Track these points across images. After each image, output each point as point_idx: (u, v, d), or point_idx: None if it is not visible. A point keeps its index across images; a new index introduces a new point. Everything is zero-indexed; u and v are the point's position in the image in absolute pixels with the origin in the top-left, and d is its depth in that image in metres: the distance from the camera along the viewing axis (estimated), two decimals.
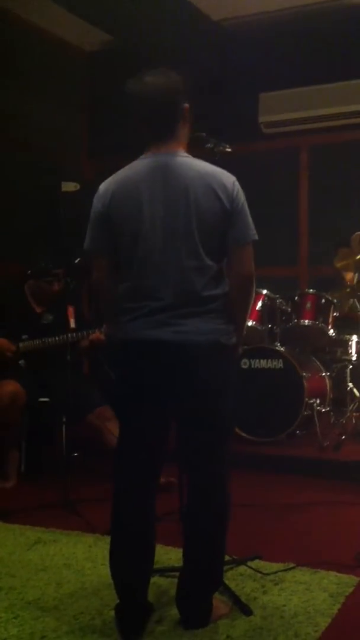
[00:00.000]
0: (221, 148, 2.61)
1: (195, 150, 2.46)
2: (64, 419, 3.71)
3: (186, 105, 2.18)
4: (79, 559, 2.73)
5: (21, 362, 3.92)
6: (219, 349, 2.11)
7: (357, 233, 4.13)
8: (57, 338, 3.86)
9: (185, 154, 2.17)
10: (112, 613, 2.15)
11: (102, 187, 2.19)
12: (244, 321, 2.26)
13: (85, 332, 3.83)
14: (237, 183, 2.14)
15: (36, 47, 5.18)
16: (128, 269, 2.14)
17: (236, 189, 2.13)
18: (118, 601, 2.14)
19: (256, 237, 2.16)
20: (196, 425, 2.15)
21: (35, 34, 5.19)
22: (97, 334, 3.81)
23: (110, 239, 2.16)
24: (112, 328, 2.22)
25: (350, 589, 2.41)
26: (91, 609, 2.29)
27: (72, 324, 3.69)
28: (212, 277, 2.12)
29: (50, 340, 3.89)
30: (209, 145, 2.58)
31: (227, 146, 2.62)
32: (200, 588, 2.18)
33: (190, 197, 2.08)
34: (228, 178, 2.14)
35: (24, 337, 3.92)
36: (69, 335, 3.73)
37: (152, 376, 2.10)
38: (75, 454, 3.94)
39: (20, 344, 3.90)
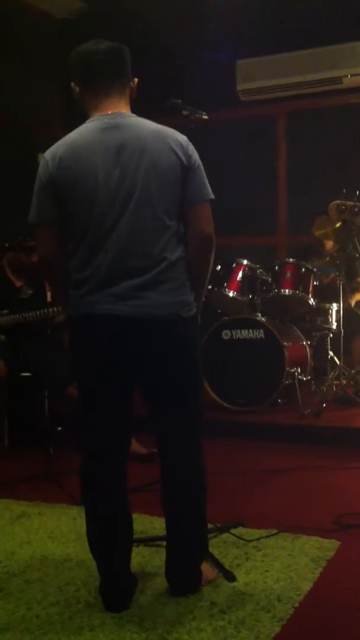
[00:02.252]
0: (197, 115, 2.58)
1: (171, 117, 2.43)
2: (46, 393, 3.70)
3: (135, 78, 2.15)
4: (63, 532, 2.74)
5: (1, 337, 3.90)
6: (178, 322, 2.07)
7: (334, 202, 4.12)
8: (37, 312, 3.84)
9: (134, 115, 2.12)
10: (97, 584, 2.17)
11: (48, 153, 2.09)
12: (204, 286, 2.20)
13: (61, 307, 3.80)
14: (190, 143, 2.10)
15: (7, 15, 5.05)
16: (80, 238, 2.05)
17: (191, 147, 2.10)
18: (100, 578, 2.14)
19: (212, 196, 2.10)
20: (163, 398, 2.14)
21: (6, 2, 5.05)
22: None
23: (57, 208, 2.06)
24: (68, 302, 2.13)
25: (332, 553, 2.46)
26: (76, 579, 2.31)
27: (49, 298, 3.66)
28: (171, 237, 2.06)
29: (30, 314, 3.86)
30: (185, 112, 2.56)
31: (204, 113, 2.59)
32: (187, 557, 2.20)
33: (146, 155, 2.02)
34: (181, 136, 2.11)
35: (4, 312, 3.89)
36: (48, 309, 3.70)
37: (112, 351, 2.05)
38: (59, 428, 3.95)
39: (0, 319, 3.87)
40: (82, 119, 2.12)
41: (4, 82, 5.00)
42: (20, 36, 5.15)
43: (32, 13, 5.33)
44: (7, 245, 3.98)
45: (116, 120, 2.07)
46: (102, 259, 2.04)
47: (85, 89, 2.12)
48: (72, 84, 2.13)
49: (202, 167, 2.10)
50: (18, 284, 4.03)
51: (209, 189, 2.11)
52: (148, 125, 2.09)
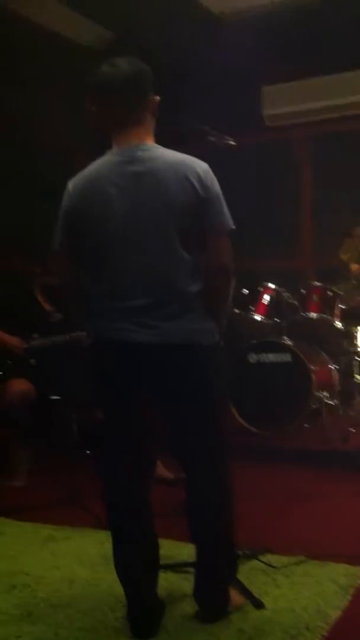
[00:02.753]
0: (224, 141, 2.59)
1: (198, 143, 2.46)
2: (74, 416, 3.73)
3: (156, 97, 2.12)
4: (91, 555, 2.75)
5: (32, 360, 3.94)
6: (199, 350, 2.05)
7: None
8: (65, 337, 3.88)
9: (154, 144, 2.10)
10: (125, 609, 2.17)
11: (70, 183, 2.12)
12: (224, 315, 2.18)
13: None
14: (210, 171, 2.07)
15: (34, 44, 5.17)
16: (99, 269, 2.07)
17: (210, 176, 2.05)
18: (127, 604, 2.14)
19: (233, 226, 2.08)
20: (184, 425, 2.12)
21: (34, 30, 5.17)
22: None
23: (77, 239, 2.08)
24: (88, 330, 2.15)
25: None
26: (104, 604, 2.31)
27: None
28: (190, 270, 2.05)
29: (58, 338, 3.91)
30: (211, 138, 2.57)
31: (231, 139, 2.61)
32: (214, 581, 2.19)
33: (162, 188, 2.00)
34: (201, 165, 2.06)
35: (34, 335, 3.95)
36: (77, 334, 3.75)
37: (132, 378, 2.05)
38: (87, 452, 3.96)
39: (31, 343, 3.92)
40: (101, 138, 2.13)
41: (31, 112, 5.10)
42: (46, 65, 5.26)
43: (59, 42, 5.44)
44: (39, 270, 4.05)
45: (134, 153, 2.05)
46: (119, 292, 2.04)
47: (102, 115, 2.11)
48: (88, 104, 2.12)
49: (221, 196, 2.07)
50: (47, 308, 4.09)
51: (228, 219, 2.08)
52: (166, 155, 2.07)
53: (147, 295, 2.03)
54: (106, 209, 2.03)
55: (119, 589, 2.19)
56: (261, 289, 4.57)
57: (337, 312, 4.52)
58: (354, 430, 4.22)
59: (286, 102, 5.29)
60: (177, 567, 2.52)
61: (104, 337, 2.09)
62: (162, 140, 2.15)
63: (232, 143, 2.65)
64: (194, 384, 2.07)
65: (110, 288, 2.06)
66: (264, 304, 4.56)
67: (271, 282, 4.58)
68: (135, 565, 2.14)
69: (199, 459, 2.14)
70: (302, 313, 4.52)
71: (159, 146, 2.11)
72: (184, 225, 2.03)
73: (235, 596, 2.26)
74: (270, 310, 4.56)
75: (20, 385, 3.76)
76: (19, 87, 4.98)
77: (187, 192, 2.02)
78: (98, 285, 2.08)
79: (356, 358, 4.53)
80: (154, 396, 2.10)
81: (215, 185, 2.07)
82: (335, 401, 4.47)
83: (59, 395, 3.94)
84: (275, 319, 4.55)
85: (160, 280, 2.03)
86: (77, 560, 2.71)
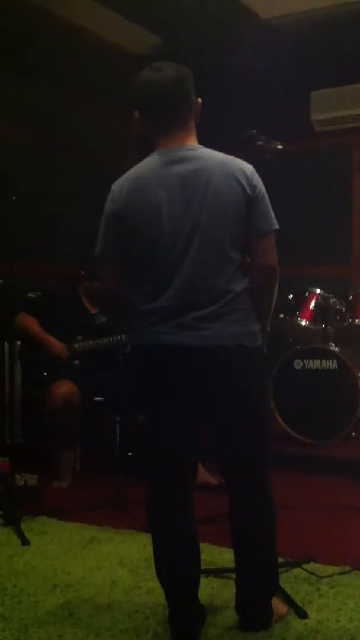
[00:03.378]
0: (272, 145, 2.58)
1: (246, 148, 2.45)
2: (117, 418, 3.74)
3: (199, 99, 2.12)
4: (133, 558, 2.75)
5: (76, 362, 3.98)
6: (243, 353, 2.04)
7: None
8: (110, 339, 3.91)
9: (198, 145, 2.10)
10: (167, 613, 2.15)
11: (115, 186, 2.12)
12: (268, 317, 2.16)
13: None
14: (255, 171, 2.07)
15: (86, 50, 5.24)
16: (145, 272, 2.06)
17: (256, 176, 2.07)
18: (169, 609, 2.12)
19: (277, 227, 2.08)
20: (227, 429, 2.10)
21: (84, 37, 5.24)
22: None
23: (123, 242, 2.08)
24: (133, 332, 2.14)
25: None
26: (145, 608, 2.30)
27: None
28: (236, 270, 2.04)
29: (103, 341, 3.94)
30: (259, 142, 2.56)
31: (278, 143, 2.59)
32: (256, 592, 2.15)
33: (211, 187, 2.00)
34: (247, 165, 2.07)
35: (78, 337, 3.98)
36: (121, 337, 3.77)
37: (176, 382, 2.04)
38: (130, 453, 3.97)
39: (75, 345, 3.96)
40: (146, 145, 2.14)
41: (79, 119, 5.17)
42: (96, 73, 5.32)
43: (108, 49, 5.50)
44: (82, 273, 4.09)
45: (180, 153, 2.06)
46: (166, 292, 2.04)
47: (147, 120, 2.12)
48: (136, 112, 2.14)
49: (266, 197, 2.08)
50: (92, 311, 4.12)
51: (274, 219, 2.08)
52: (213, 156, 2.08)
53: (192, 294, 2.02)
54: (153, 210, 2.03)
55: (160, 592, 2.18)
56: (307, 295, 4.52)
57: None
58: None
59: (335, 107, 5.23)
60: (219, 573, 2.50)
61: (146, 341, 2.08)
62: (209, 146, 2.14)
63: (280, 147, 2.63)
64: (236, 388, 2.06)
65: (156, 289, 2.06)
66: (310, 309, 4.50)
67: (318, 288, 4.52)
68: (177, 569, 2.13)
69: (241, 464, 2.12)
70: (349, 319, 4.45)
71: (204, 147, 2.11)
72: (232, 224, 2.03)
73: (278, 605, 2.22)
74: (316, 316, 4.49)
75: (64, 388, 3.79)
76: (58, 90, 5.05)
77: (235, 191, 2.02)
78: (143, 287, 2.08)
79: None
80: (197, 400, 2.08)
81: (261, 186, 2.07)
82: None
83: (102, 397, 3.96)
84: (322, 325, 4.49)
85: (206, 279, 2.03)
86: (119, 562, 2.72)
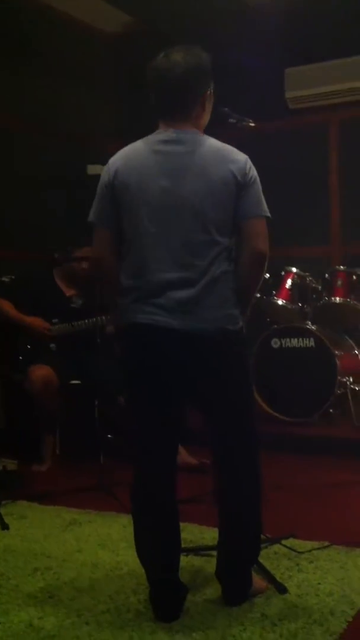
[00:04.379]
0: (244, 123, 2.56)
1: (218, 125, 2.43)
2: (96, 401, 3.73)
3: (209, 90, 2.15)
4: (114, 539, 2.75)
5: (52, 346, 3.95)
6: (224, 335, 2.06)
7: None
8: (86, 322, 3.88)
9: (197, 131, 2.13)
10: (148, 592, 2.16)
11: (111, 160, 2.17)
12: (250, 302, 2.19)
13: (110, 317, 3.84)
14: (249, 160, 2.10)
15: (60, 30, 5.16)
16: (132, 244, 2.09)
17: (249, 164, 2.10)
18: (150, 589, 2.14)
19: (268, 214, 2.10)
20: (213, 411, 2.14)
21: (59, 17, 5.15)
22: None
23: (114, 211, 2.11)
24: (116, 310, 2.16)
25: None
26: (127, 588, 2.31)
27: (99, 308, 3.70)
28: (221, 252, 2.06)
29: (80, 323, 3.91)
30: (231, 120, 2.54)
31: (251, 121, 2.57)
32: (238, 562, 2.19)
33: (201, 169, 2.05)
34: (240, 154, 2.11)
35: (54, 321, 3.95)
36: (98, 319, 3.74)
37: (158, 362, 2.06)
38: (109, 436, 3.97)
39: (51, 328, 3.93)
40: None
41: (56, 98, 5.09)
42: (70, 52, 5.24)
43: (81, 29, 5.42)
44: (56, 255, 4.05)
45: (176, 135, 2.10)
46: (148, 267, 2.06)
47: (155, 100, 2.15)
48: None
49: (259, 184, 2.10)
50: (68, 293, 4.09)
51: (265, 207, 2.10)
52: (207, 142, 2.11)
53: (174, 272, 2.04)
54: (141, 184, 2.07)
55: (141, 573, 2.19)
56: (283, 274, 4.52)
57: None
58: None
59: (310, 84, 5.20)
60: (199, 551, 2.51)
61: (128, 319, 2.10)
62: None
63: (252, 124, 2.62)
64: (220, 368, 2.08)
65: (139, 263, 2.08)
66: (287, 288, 4.50)
67: (294, 267, 4.52)
68: (158, 548, 2.15)
69: (232, 446, 2.15)
70: (326, 298, 4.46)
71: (204, 135, 2.15)
72: (220, 208, 2.06)
73: (258, 581, 2.25)
74: (293, 295, 4.50)
75: (42, 372, 3.77)
76: (42, 72, 4.97)
77: (226, 176, 2.05)
78: (128, 261, 2.11)
79: None
80: (176, 381, 2.09)
81: (253, 174, 2.10)
82: None
83: (79, 381, 3.94)
84: (299, 304, 4.50)
85: (188, 258, 2.04)
86: (99, 544, 2.72)
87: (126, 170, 2.10)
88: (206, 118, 2.19)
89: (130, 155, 2.13)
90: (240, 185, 2.06)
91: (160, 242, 2.05)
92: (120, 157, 2.14)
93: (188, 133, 2.11)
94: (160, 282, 2.04)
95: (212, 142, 2.12)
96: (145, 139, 2.15)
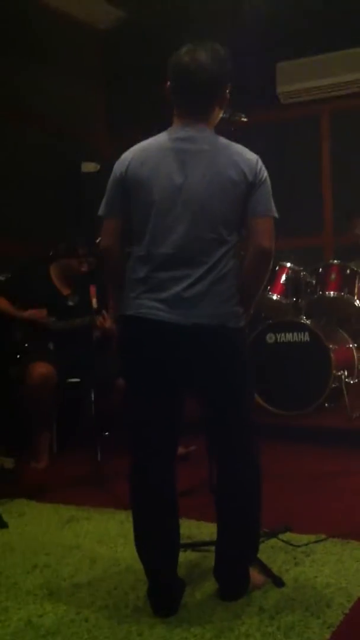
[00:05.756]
0: (237, 118, 2.57)
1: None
2: (92, 398, 3.73)
3: (228, 89, 2.17)
4: (112, 535, 2.76)
5: (49, 344, 3.96)
6: (226, 333, 2.08)
7: None
8: (83, 319, 3.89)
9: (211, 131, 2.16)
10: (146, 588, 2.17)
11: (123, 154, 2.19)
12: (254, 299, 2.20)
13: (107, 313, 3.85)
14: (260, 160, 2.13)
15: (52, 26, 5.15)
16: (139, 239, 2.11)
17: (260, 164, 2.12)
18: (148, 583, 2.15)
19: (276, 215, 2.12)
20: (216, 407, 2.16)
21: (51, 13, 5.15)
22: (101, 321, 3.81)
23: (124, 204, 2.14)
24: (120, 303, 2.18)
25: None
26: (125, 584, 2.32)
27: (95, 304, 3.71)
28: (227, 251, 2.08)
29: (76, 321, 3.92)
30: (224, 115, 2.54)
31: (243, 115, 2.59)
32: (236, 559, 2.20)
33: (212, 167, 2.06)
34: (251, 154, 2.13)
35: (51, 319, 3.95)
36: (94, 316, 3.75)
37: (158, 356, 2.08)
38: (106, 433, 3.98)
39: (51, 321, 3.94)
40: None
41: (46, 93, 5.09)
42: (61, 48, 5.23)
43: (73, 25, 5.41)
44: (52, 253, 4.05)
45: (189, 133, 2.11)
46: (155, 262, 2.08)
47: (173, 95, 2.16)
48: (168, 82, 2.16)
49: (269, 185, 2.12)
50: (64, 291, 4.09)
51: (272, 207, 2.12)
52: (220, 141, 2.13)
53: (180, 268, 2.06)
54: (152, 178, 2.08)
55: (139, 568, 2.21)
56: (277, 268, 4.53)
57: (356, 290, 4.47)
58: None
59: (301, 78, 5.21)
60: (197, 547, 2.53)
61: (130, 312, 2.12)
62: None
63: (244, 119, 2.63)
64: (216, 368, 2.09)
65: (146, 258, 2.09)
66: (281, 283, 4.52)
67: (288, 262, 4.53)
68: (158, 544, 2.16)
69: (230, 438, 2.16)
70: (320, 292, 4.48)
71: (217, 135, 2.17)
72: (228, 205, 2.07)
73: (256, 576, 2.26)
74: (287, 290, 4.51)
75: (41, 369, 3.77)
76: (34, 69, 4.96)
77: (236, 175, 2.07)
78: (134, 258, 2.13)
79: None
80: (176, 376, 2.11)
81: (264, 174, 2.12)
82: (356, 380, 4.43)
83: (77, 378, 3.95)
84: (293, 299, 4.51)
85: (195, 254, 2.06)
86: (98, 540, 2.73)
87: (139, 165, 2.11)
88: (219, 116, 2.22)
89: (145, 150, 2.14)
90: (251, 185, 2.08)
91: (168, 237, 2.07)
92: (134, 152, 2.16)
93: (204, 132, 2.13)
94: (166, 277, 2.06)
95: (225, 142, 2.14)
96: (158, 135, 2.17)
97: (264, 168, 2.12)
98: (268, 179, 2.12)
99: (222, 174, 2.06)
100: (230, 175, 2.06)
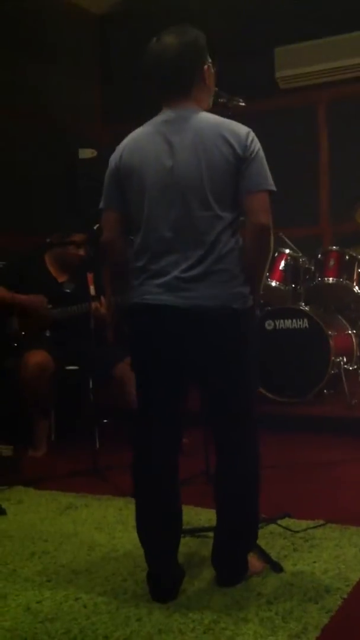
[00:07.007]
0: (235, 102, 2.55)
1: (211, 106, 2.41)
2: (91, 386, 3.72)
3: (206, 65, 2.15)
4: (110, 522, 2.76)
5: (46, 331, 3.94)
6: (231, 315, 2.05)
7: None
8: (79, 306, 3.87)
9: (198, 108, 2.13)
10: (144, 574, 2.17)
11: (119, 145, 2.20)
12: (261, 279, 2.17)
13: (106, 300, 3.83)
14: (252, 133, 2.08)
15: (47, 13, 5.10)
16: (137, 227, 2.12)
17: (251, 137, 2.07)
18: (148, 569, 2.15)
19: (273, 188, 2.07)
20: (217, 392, 2.14)
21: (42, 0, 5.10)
22: (97, 306, 3.79)
23: (121, 195, 2.15)
24: (123, 292, 2.20)
25: None
26: (123, 570, 2.32)
27: (92, 291, 3.69)
28: (225, 228, 2.05)
29: (73, 308, 3.90)
30: (221, 100, 2.53)
31: (241, 100, 2.57)
32: (235, 548, 2.19)
33: (199, 145, 2.05)
34: (241, 127, 2.09)
35: (47, 307, 3.93)
36: (91, 303, 3.73)
37: (163, 341, 2.07)
38: (105, 421, 3.98)
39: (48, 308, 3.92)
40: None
41: (41, 80, 5.05)
42: (57, 34, 5.18)
43: (68, 10, 5.36)
44: (48, 240, 4.03)
45: (175, 114, 2.11)
46: (153, 247, 2.08)
47: (154, 84, 2.16)
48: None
49: (262, 158, 2.07)
50: (60, 279, 4.07)
51: (269, 180, 2.08)
52: (206, 117, 2.11)
53: (179, 251, 2.05)
54: (143, 165, 2.09)
55: (137, 554, 2.20)
56: (276, 255, 4.51)
57: (355, 277, 4.45)
58: None
59: (300, 63, 5.16)
60: (196, 533, 2.52)
61: (134, 299, 2.12)
62: None
63: (242, 104, 2.61)
64: (225, 348, 2.07)
65: (146, 245, 2.09)
66: (279, 270, 4.50)
67: (287, 248, 4.51)
68: (160, 530, 2.15)
69: (229, 424, 2.15)
70: (319, 278, 4.46)
71: (203, 111, 2.15)
72: (220, 181, 2.05)
73: (254, 562, 2.26)
74: (286, 277, 4.50)
75: (37, 357, 3.76)
76: (30, 55, 4.92)
77: (224, 149, 2.04)
78: (135, 246, 2.13)
79: None
80: (181, 361, 2.10)
81: (256, 146, 2.08)
82: (355, 366, 4.43)
83: (75, 366, 3.93)
84: (292, 285, 4.50)
85: (192, 235, 2.05)
86: (96, 527, 2.73)
87: (130, 153, 2.13)
88: (209, 94, 2.20)
89: (136, 138, 2.15)
90: (241, 159, 2.04)
91: (164, 222, 2.06)
92: (126, 142, 2.17)
93: (189, 111, 2.11)
94: (165, 262, 2.06)
95: (211, 117, 2.11)
96: (150, 121, 2.17)
97: (255, 141, 2.08)
98: (261, 152, 2.08)
99: (211, 151, 2.04)
100: (217, 150, 2.03)
